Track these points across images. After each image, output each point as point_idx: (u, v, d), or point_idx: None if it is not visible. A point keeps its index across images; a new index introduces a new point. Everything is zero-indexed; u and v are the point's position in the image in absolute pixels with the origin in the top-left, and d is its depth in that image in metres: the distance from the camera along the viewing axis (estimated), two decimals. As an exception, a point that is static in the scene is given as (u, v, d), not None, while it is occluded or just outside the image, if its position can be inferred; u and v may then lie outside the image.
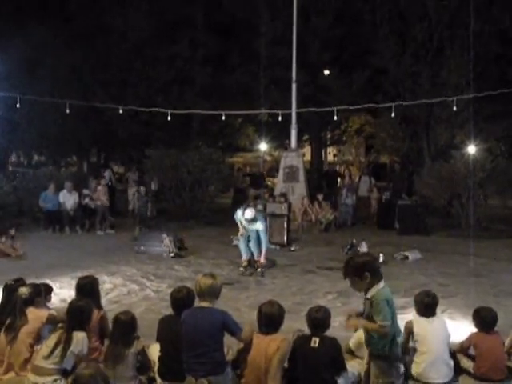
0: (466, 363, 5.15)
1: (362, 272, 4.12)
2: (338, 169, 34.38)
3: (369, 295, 4.17)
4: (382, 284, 4.17)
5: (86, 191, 15.79)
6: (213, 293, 4.49)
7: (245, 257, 10.13)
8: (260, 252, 10.00)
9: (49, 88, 19.79)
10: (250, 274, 9.74)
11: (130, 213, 16.88)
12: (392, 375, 4.28)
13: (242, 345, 4.77)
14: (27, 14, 22.22)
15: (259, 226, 9.84)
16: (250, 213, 9.69)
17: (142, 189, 15.85)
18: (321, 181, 23.47)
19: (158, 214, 17.64)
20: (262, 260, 9.96)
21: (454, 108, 16.51)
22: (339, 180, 19.81)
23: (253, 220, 9.71)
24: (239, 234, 10.04)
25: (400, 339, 4.54)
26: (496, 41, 18.41)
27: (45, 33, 21.27)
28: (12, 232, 11.34)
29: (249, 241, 10.14)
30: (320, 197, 16.25)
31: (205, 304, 4.48)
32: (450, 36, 18.80)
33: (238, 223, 10.02)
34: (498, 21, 18.22)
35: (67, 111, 16.81)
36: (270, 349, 4.50)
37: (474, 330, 5.28)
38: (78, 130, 22.45)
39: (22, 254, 11.02)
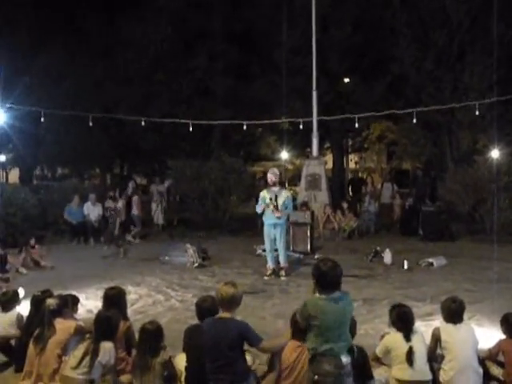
0: (496, 370, 5.08)
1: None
2: (362, 176, 34.25)
3: None
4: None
5: (108, 203, 15.99)
6: (234, 302, 4.49)
7: (270, 265, 10.22)
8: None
9: (72, 102, 20.07)
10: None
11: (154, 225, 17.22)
12: None
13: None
14: (50, 30, 22.59)
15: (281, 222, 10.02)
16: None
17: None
18: (344, 188, 23.38)
19: (179, 224, 17.80)
20: (283, 265, 10.24)
21: (477, 112, 16.37)
22: (363, 187, 19.75)
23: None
24: (270, 208, 10.01)
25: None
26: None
27: (67, 47, 21.63)
28: (32, 242, 11.48)
29: (275, 249, 10.22)
30: (345, 205, 16.23)
31: (224, 314, 4.48)
32: (472, 40, 18.63)
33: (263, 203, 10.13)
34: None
35: (90, 124, 17.00)
36: None
37: (503, 336, 5.21)
38: (101, 143, 22.72)
39: (48, 264, 11.21)
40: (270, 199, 9.97)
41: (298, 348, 4.62)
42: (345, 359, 4.07)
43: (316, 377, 4.07)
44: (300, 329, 4.55)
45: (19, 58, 19.91)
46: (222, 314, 4.49)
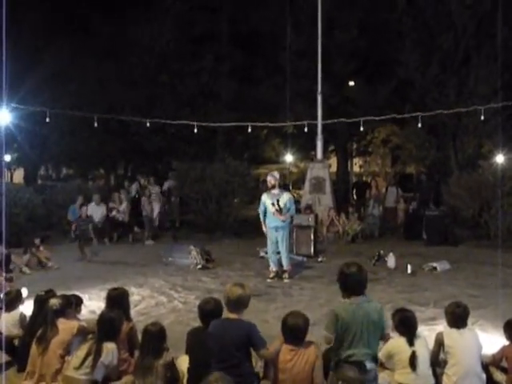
0: (499, 376, 5.06)
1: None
2: (366, 179, 34.23)
3: None
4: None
5: (112, 204, 16.00)
6: (241, 303, 4.49)
7: (273, 267, 10.22)
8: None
9: (77, 102, 20.11)
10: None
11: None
12: None
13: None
14: (55, 30, 22.66)
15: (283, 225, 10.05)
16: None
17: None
18: (349, 192, 23.35)
19: (183, 226, 17.82)
20: (286, 267, 10.24)
21: (482, 117, 16.35)
22: (367, 191, 19.76)
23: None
24: (272, 210, 10.02)
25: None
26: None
27: (72, 48, 21.67)
28: (37, 242, 11.49)
29: (278, 252, 10.23)
30: (350, 209, 16.24)
31: (232, 315, 4.48)
32: (477, 45, 18.64)
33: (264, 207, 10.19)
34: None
35: (95, 125, 17.03)
36: (311, 358, 4.50)
37: (506, 342, 5.20)
38: (105, 144, 22.77)
39: (54, 265, 11.25)
40: (273, 204, 9.98)
41: (292, 352, 4.62)
42: (369, 365, 4.04)
43: (340, 383, 4.06)
44: (293, 333, 4.57)
45: (24, 58, 19.95)
46: (230, 315, 4.50)
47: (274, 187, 10.15)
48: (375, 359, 4.15)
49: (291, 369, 4.58)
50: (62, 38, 21.79)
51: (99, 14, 23.22)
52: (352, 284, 4.33)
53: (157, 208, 16.68)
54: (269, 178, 10.30)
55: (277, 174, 10.46)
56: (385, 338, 4.67)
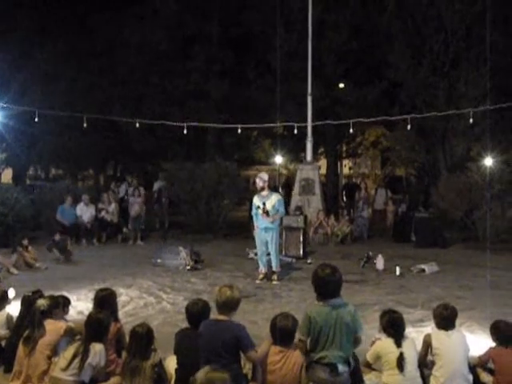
0: (486, 377, 5.08)
1: None
2: (355, 181, 34.31)
3: None
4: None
5: (101, 205, 15.93)
6: (231, 305, 4.49)
7: (262, 269, 10.23)
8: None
9: (66, 102, 20.01)
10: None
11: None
12: None
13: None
14: (45, 29, 22.56)
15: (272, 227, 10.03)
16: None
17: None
18: (338, 194, 23.37)
19: (172, 226, 17.80)
20: (275, 269, 10.24)
21: (471, 120, 16.43)
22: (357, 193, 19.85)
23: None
24: (260, 212, 9.99)
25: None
26: (513, 52, 18.32)
27: (62, 47, 21.59)
28: (25, 242, 11.41)
29: (268, 254, 10.23)
30: (340, 211, 16.28)
31: (222, 317, 4.48)
32: (467, 48, 18.74)
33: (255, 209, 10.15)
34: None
35: (85, 125, 16.94)
36: (299, 360, 4.52)
37: (493, 343, 5.22)
38: (94, 144, 22.69)
39: (42, 266, 11.18)
40: (258, 207, 9.98)
41: (280, 353, 4.64)
42: (341, 368, 4.04)
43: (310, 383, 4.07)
44: (282, 334, 4.58)
45: (13, 57, 19.84)
46: (219, 317, 4.50)
47: (263, 189, 10.13)
48: (348, 362, 4.14)
49: (280, 370, 4.59)
50: (52, 37, 21.71)
51: (91, 14, 23.17)
52: (326, 286, 4.32)
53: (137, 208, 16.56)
54: (257, 180, 10.26)
55: (265, 176, 10.41)
56: (358, 341, 4.67)
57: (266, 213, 9.89)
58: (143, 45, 22.57)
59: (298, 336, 4.19)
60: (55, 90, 20.89)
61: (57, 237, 12.40)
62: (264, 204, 9.90)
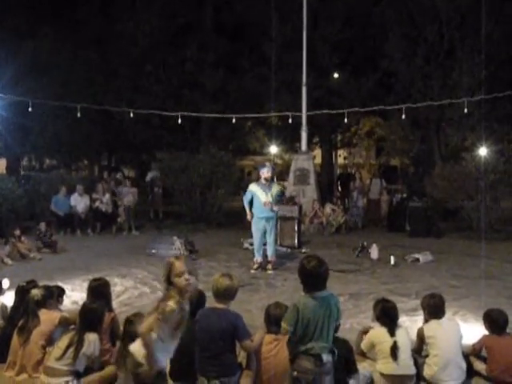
0: (479, 365, 5.13)
1: None
2: (350, 171, 34.37)
3: None
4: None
5: (95, 195, 15.88)
6: (229, 294, 4.49)
7: (258, 258, 10.23)
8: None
9: (60, 92, 19.89)
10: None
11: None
12: None
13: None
14: (39, 19, 22.39)
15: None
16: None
17: None
18: (333, 184, 23.38)
19: (167, 216, 17.79)
20: (271, 258, 10.25)
21: (465, 110, 16.44)
22: (351, 183, 19.87)
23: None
24: (265, 201, 9.96)
25: None
26: (507, 41, 18.29)
27: (56, 37, 21.43)
28: (17, 233, 11.38)
29: (264, 244, 10.23)
30: (335, 200, 16.34)
31: (219, 305, 4.49)
32: (461, 37, 18.73)
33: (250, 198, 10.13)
34: (510, 21, 18.11)
35: (78, 115, 16.86)
36: None
37: (486, 331, 5.25)
38: (89, 134, 22.57)
39: (37, 256, 11.16)
40: (266, 194, 9.94)
41: (275, 341, 4.69)
42: (325, 358, 4.06)
43: (295, 373, 4.08)
44: (276, 323, 4.59)
45: (6, 46, 19.68)
46: (217, 305, 4.50)
47: (266, 180, 10.10)
48: (332, 351, 4.16)
49: (274, 358, 4.63)
50: (45, 25, 21.54)
51: (83, 2, 23.00)
52: (312, 279, 4.32)
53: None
54: (264, 170, 10.14)
55: (272, 166, 10.43)
56: (337, 329, 4.67)
57: (272, 202, 9.90)
58: (137, 35, 22.44)
59: (283, 325, 4.19)
60: (49, 79, 20.75)
61: (42, 226, 12.30)
62: (269, 193, 9.91)
